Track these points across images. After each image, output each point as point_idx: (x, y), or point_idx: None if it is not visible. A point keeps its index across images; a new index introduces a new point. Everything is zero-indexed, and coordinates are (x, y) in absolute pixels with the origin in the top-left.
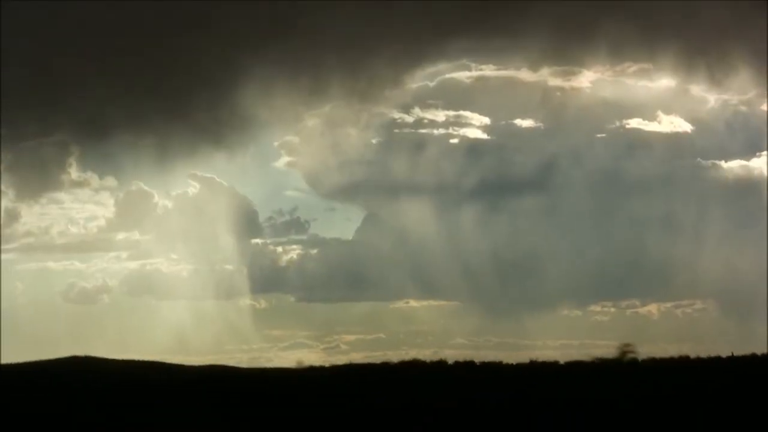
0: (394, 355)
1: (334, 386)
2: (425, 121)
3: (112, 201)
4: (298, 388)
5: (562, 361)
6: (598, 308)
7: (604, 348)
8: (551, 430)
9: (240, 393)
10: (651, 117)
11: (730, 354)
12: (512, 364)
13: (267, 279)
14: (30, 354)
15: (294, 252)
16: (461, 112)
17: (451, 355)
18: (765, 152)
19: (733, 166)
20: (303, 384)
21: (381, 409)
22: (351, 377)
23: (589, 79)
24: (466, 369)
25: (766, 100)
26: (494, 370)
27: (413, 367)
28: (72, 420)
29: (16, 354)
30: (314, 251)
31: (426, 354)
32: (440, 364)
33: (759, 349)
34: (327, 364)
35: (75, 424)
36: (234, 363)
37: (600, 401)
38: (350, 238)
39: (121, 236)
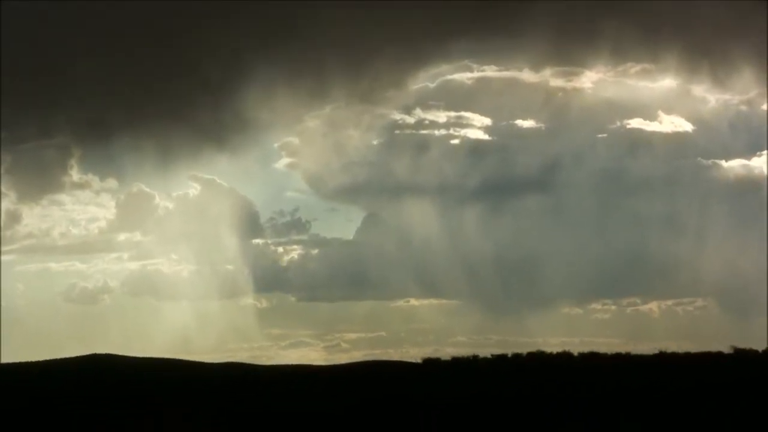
0: (396, 354)
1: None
2: (426, 122)
3: (113, 202)
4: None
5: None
6: (598, 306)
7: (605, 346)
8: None
9: (262, 387)
10: (652, 117)
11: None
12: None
13: (268, 279)
14: (32, 354)
15: (295, 252)
16: (462, 113)
17: (451, 352)
18: (765, 151)
19: (733, 165)
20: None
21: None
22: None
23: (591, 80)
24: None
25: (766, 99)
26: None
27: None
28: (102, 413)
29: (17, 354)
30: (315, 251)
31: (426, 352)
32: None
33: (758, 346)
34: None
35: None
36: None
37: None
38: (351, 238)
39: (122, 237)
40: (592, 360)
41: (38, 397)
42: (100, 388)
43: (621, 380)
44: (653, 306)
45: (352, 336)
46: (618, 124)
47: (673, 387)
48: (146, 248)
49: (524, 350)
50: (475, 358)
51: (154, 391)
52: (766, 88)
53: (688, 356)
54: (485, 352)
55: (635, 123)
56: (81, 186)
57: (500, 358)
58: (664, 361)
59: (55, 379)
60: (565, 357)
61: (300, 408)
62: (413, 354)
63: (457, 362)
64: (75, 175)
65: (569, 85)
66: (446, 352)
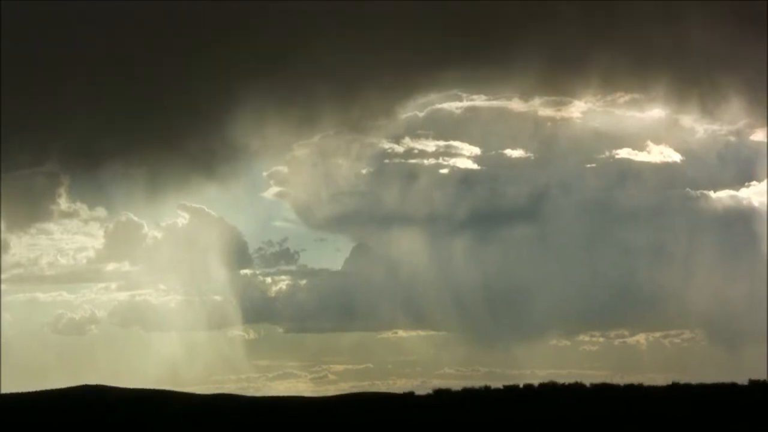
0: (383, 385)
1: None
2: (415, 151)
3: (101, 232)
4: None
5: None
6: (586, 338)
7: (592, 378)
8: None
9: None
10: (641, 147)
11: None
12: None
13: (256, 310)
14: (19, 385)
15: (283, 283)
16: (451, 142)
17: (438, 384)
18: (754, 182)
19: (722, 196)
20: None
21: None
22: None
23: (580, 110)
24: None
25: (756, 130)
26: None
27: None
28: None
29: (5, 385)
30: (303, 282)
31: (414, 384)
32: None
33: (749, 377)
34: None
35: None
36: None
37: None
38: (339, 268)
39: (110, 267)
40: (606, 391)
41: (30, 429)
42: (91, 419)
43: (636, 409)
44: (641, 338)
45: (339, 367)
46: (607, 154)
47: (691, 416)
48: (134, 278)
49: (513, 382)
50: (486, 389)
51: (146, 422)
52: (754, 119)
53: (703, 387)
54: (472, 383)
55: (624, 153)
56: (69, 215)
57: (510, 389)
58: (677, 391)
59: (45, 409)
60: (577, 387)
61: None
62: (400, 385)
63: (468, 393)
64: (63, 203)
65: (558, 114)
66: (433, 384)
